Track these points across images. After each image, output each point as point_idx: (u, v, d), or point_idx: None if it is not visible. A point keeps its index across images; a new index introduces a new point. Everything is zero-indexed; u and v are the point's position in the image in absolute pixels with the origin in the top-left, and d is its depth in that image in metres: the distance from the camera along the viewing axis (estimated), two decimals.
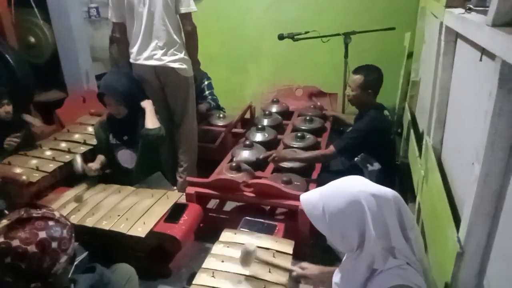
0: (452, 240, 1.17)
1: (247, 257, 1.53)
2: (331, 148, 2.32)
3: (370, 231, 1.02)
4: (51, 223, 0.97)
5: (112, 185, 2.32)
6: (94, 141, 2.56)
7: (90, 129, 2.77)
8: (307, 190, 2.24)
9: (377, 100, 2.49)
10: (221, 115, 3.44)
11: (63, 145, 2.58)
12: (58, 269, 0.96)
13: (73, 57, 3.41)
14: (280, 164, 2.52)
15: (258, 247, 1.73)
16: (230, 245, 1.76)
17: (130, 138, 2.40)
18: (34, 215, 0.96)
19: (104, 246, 2.00)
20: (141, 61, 2.48)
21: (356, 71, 2.42)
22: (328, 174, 2.40)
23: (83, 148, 2.54)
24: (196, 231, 2.24)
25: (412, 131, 2.52)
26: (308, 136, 2.77)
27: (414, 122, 2.67)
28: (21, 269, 0.90)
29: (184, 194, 2.28)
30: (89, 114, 3.06)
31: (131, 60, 2.56)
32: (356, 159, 2.39)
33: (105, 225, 1.94)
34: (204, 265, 1.63)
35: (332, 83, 3.52)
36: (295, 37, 3.06)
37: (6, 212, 1.85)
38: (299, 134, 2.75)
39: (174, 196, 2.22)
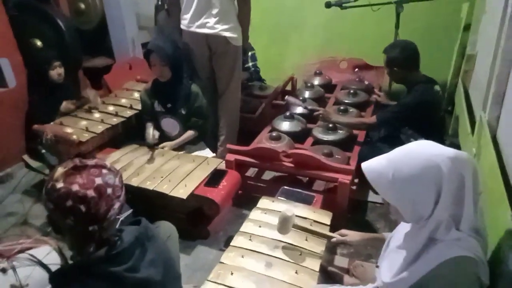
0: (504, 218, 1.11)
1: (285, 223, 1.52)
2: (373, 118, 2.32)
3: (446, 196, 0.97)
4: (104, 170, 1.01)
5: (155, 149, 2.38)
6: (139, 106, 2.64)
7: (136, 95, 2.86)
8: (348, 164, 2.20)
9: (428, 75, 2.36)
10: (262, 86, 3.43)
11: (111, 108, 2.68)
12: (112, 214, 1.01)
13: (120, 25, 3.48)
14: (320, 138, 2.49)
15: (295, 216, 1.74)
16: (268, 212, 1.78)
17: (173, 106, 2.45)
18: (89, 163, 1.01)
19: (147, 205, 2.09)
20: (194, 28, 2.48)
21: (384, 49, 2.36)
22: (370, 148, 2.35)
23: (130, 112, 2.63)
24: (234, 198, 2.28)
25: (464, 108, 2.38)
26: (351, 110, 2.69)
27: (467, 99, 2.51)
28: (81, 212, 0.95)
29: (224, 161, 2.31)
30: (135, 80, 3.15)
31: (182, 27, 2.56)
32: (401, 134, 2.30)
33: (149, 185, 2.02)
34: (241, 229, 1.67)
35: (379, 56, 3.29)
36: (343, 5, 2.91)
37: None
38: (342, 108, 2.68)
39: (214, 162, 2.26)
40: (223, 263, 1.48)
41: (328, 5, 2.97)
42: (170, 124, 2.52)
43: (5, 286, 1.31)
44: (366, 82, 3.05)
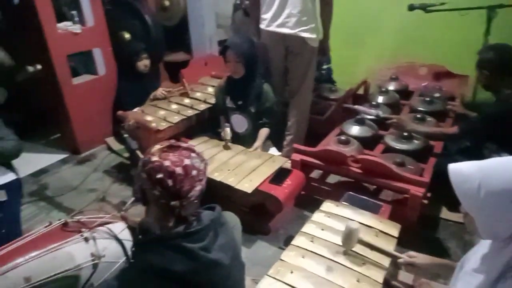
0: None
1: (350, 236, 1.47)
2: (454, 128, 2.17)
3: None
4: (193, 154, 1.12)
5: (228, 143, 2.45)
6: (212, 101, 2.75)
7: (210, 90, 2.97)
8: (421, 175, 2.08)
9: None
10: (332, 88, 3.37)
11: (187, 101, 2.82)
12: (193, 195, 1.09)
13: (200, 23, 3.66)
14: (392, 146, 2.38)
15: (360, 223, 1.69)
16: (331, 216, 1.74)
17: (244, 103, 2.51)
18: (182, 145, 1.13)
19: (212, 196, 2.16)
20: (273, 28, 2.52)
21: (479, 50, 2.21)
22: (448, 160, 2.18)
23: (203, 106, 2.74)
24: (296, 198, 2.28)
25: None
26: (429, 119, 2.53)
27: None
28: (168, 186, 1.06)
29: (290, 160, 2.32)
30: (210, 76, 3.28)
31: (262, 26, 2.60)
32: (484, 149, 2.12)
33: (217, 177, 2.09)
34: (303, 229, 1.65)
35: (463, 64, 3.10)
36: (428, 8, 2.76)
37: (138, 152, 2.12)
38: (418, 116, 2.53)
39: (280, 161, 2.28)
40: (283, 260, 1.48)
41: (411, 8, 2.83)
42: (239, 121, 2.59)
43: (86, 253, 1.45)
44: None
